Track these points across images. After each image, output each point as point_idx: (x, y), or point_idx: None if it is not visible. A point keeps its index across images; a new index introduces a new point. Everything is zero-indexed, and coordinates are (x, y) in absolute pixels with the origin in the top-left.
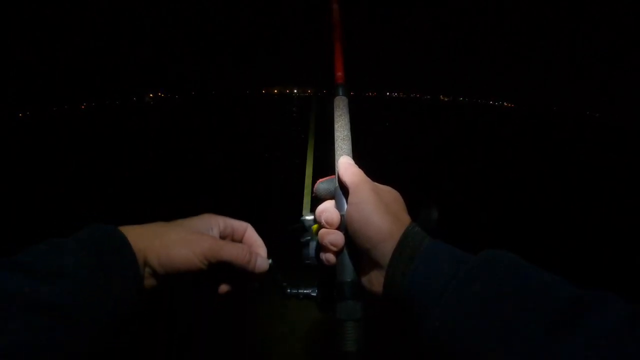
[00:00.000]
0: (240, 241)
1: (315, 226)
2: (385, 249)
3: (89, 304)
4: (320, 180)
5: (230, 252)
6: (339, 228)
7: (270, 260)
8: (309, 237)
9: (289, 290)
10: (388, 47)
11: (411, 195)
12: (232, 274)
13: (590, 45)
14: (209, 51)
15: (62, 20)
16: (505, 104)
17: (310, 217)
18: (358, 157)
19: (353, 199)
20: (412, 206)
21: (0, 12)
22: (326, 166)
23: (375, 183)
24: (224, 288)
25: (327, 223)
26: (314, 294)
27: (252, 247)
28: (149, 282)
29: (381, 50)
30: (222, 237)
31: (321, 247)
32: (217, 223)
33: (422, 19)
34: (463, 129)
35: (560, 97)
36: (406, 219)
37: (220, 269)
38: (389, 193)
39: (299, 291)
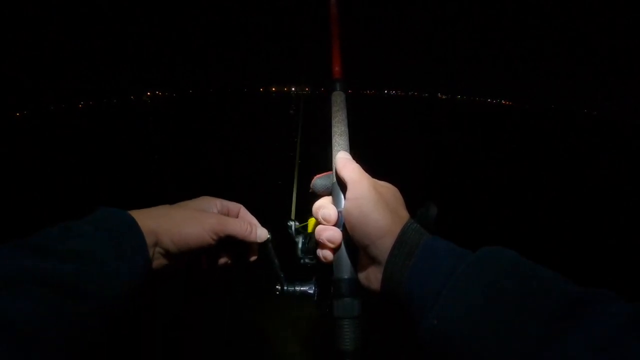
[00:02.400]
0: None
1: (311, 221)
2: (384, 245)
3: (99, 284)
4: (318, 176)
5: (234, 225)
6: (336, 224)
7: (268, 235)
8: (303, 237)
9: (285, 288)
10: (387, 45)
11: (409, 192)
12: (234, 249)
13: (590, 45)
14: (205, 49)
15: (61, 19)
16: (503, 101)
17: (295, 223)
18: (355, 153)
19: (351, 194)
20: (411, 203)
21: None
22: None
23: (374, 179)
24: (223, 260)
25: (324, 219)
26: (310, 291)
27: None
28: (160, 262)
29: (380, 48)
30: None
31: (318, 244)
32: (215, 204)
33: (421, 16)
34: (463, 126)
35: (560, 95)
36: (405, 215)
37: (225, 244)
38: (388, 189)
39: (296, 288)
